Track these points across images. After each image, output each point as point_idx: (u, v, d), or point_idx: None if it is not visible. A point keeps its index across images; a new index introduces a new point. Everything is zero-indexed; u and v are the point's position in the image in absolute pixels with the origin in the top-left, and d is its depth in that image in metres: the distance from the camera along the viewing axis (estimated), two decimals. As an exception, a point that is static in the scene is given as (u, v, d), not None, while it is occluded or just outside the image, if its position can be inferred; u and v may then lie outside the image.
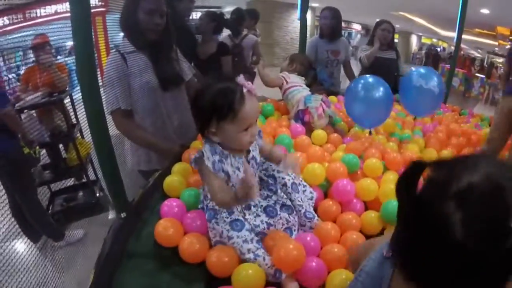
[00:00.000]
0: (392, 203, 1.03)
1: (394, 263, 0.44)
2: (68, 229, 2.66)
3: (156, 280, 0.86)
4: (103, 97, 1.01)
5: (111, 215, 2.76)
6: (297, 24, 2.55)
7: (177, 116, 1.60)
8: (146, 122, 1.52)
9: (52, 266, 2.31)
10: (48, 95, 2.67)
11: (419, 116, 1.88)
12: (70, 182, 3.18)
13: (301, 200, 1.02)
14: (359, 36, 19.96)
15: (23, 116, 2.51)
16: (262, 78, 1.76)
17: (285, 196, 1.01)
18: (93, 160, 2.95)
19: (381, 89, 1.51)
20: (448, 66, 10.31)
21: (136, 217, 1.05)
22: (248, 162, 0.95)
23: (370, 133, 1.61)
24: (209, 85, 0.88)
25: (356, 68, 2.99)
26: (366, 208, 1.14)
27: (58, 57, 2.91)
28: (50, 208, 2.93)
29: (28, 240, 2.53)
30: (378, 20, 2.82)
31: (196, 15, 3.97)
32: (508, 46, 9.16)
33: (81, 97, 0.95)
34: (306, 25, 2.46)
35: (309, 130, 1.55)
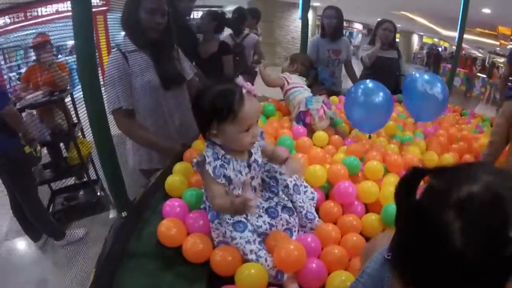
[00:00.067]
0: (392, 206, 1.03)
1: (393, 267, 0.44)
2: (69, 228, 2.67)
3: (157, 280, 0.86)
4: (104, 96, 1.01)
5: (112, 214, 2.77)
6: (298, 23, 2.54)
7: (179, 116, 1.60)
8: (148, 121, 1.52)
9: (52, 265, 2.32)
10: (49, 94, 2.67)
11: (423, 121, 1.88)
12: (71, 181, 3.19)
13: (303, 201, 1.02)
14: (360, 35, 19.93)
15: (24, 114, 2.51)
16: (263, 78, 1.76)
17: (286, 198, 1.01)
18: (94, 159, 2.95)
19: (381, 94, 1.50)
20: (449, 65, 10.30)
21: (137, 217, 1.05)
22: (250, 165, 0.95)
23: (369, 137, 1.61)
24: (208, 87, 0.88)
25: (357, 67, 2.98)
26: (367, 211, 1.14)
27: (59, 56, 2.91)
28: (51, 207, 2.94)
29: (29, 239, 2.54)
30: (379, 19, 2.81)
31: (197, 14, 3.97)
32: (510, 46, 9.14)
33: (82, 96, 0.95)
34: (307, 25, 2.45)
35: (311, 131, 1.55)
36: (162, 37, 1.46)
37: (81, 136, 2.96)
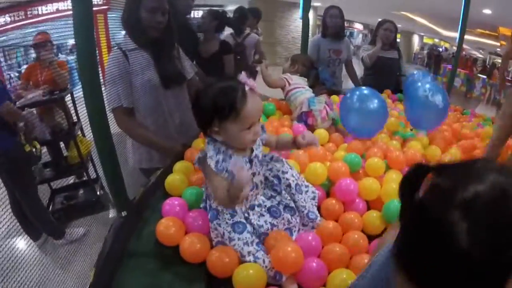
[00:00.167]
0: (394, 203, 1.03)
1: (397, 265, 0.44)
2: (68, 227, 2.66)
3: (157, 280, 0.86)
4: (104, 95, 1.01)
5: (112, 213, 2.76)
6: (299, 23, 2.53)
7: (179, 115, 1.59)
8: (148, 120, 1.52)
9: (52, 264, 2.32)
10: (49, 92, 2.66)
11: (423, 129, 1.85)
12: (71, 180, 3.18)
13: (304, 201, 1.02)
14: (361, 35, 19.92)
15: (24, 113, 2.50)
16: (264, 79, 1.76)
17: (288, 197, 1.00)
18: (93, 158, 2.95)
19: (376, 101, 1.48)
20: (450, 66, 10.29)
21: (137, 216, 1.05)
22: (252, 161, 0.94)
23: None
24: (210, 85, 0.87)
25: (358, 67, 2.98)
26: (368, 208, 1.13)
27: (60, 54, 2.91)
28: (51, 206, 2.93)
29: (29, 238, 2.53)
30: (380, 19, 2.81)
31: (198, 13, 3.97)
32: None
33: (82, 94, 0.95)
34: (308, 24, 2.45)
35: (311, 130, 1.54)
36: (162, 36, 1.46)
37: (81, 135, 2.95)
